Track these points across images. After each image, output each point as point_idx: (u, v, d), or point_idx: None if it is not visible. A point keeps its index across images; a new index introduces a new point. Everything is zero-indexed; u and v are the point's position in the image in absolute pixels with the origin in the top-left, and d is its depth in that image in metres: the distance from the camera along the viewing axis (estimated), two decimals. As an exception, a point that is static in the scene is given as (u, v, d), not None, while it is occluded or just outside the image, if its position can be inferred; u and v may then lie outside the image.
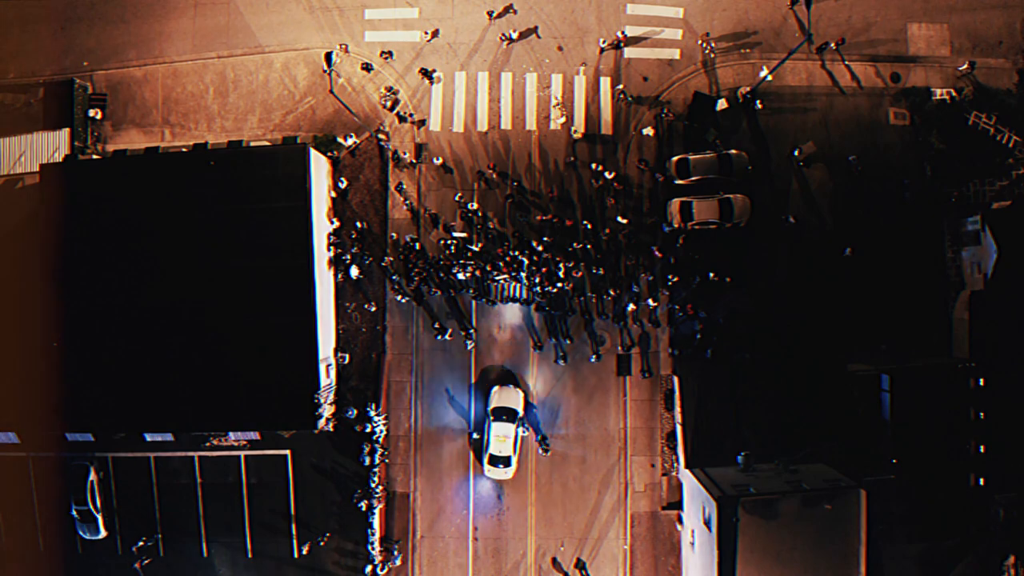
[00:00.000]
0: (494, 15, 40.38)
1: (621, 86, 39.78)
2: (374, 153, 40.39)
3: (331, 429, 38.72)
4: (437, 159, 39.80)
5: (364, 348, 39.66)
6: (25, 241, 38.34)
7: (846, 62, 39.42)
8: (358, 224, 39.77)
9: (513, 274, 38.86)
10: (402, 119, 40.27)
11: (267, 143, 40.29)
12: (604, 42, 39.79)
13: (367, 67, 40.72)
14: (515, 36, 39.95)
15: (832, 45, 39.04)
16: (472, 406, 39.28)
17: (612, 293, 38.63)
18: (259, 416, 36.74)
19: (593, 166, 39.20)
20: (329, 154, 39.76)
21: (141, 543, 39.35)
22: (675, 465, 38.35)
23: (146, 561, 39.50)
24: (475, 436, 39.03)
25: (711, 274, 38.09)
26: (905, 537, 35.07)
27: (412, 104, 40.51)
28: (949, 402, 35.13)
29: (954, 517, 35.39)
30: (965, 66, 38.97)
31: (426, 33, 40.57)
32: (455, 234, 39.27)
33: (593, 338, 38.96)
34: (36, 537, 40.71)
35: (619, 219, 38.73)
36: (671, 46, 40.31)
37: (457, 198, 39.57)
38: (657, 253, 38.47)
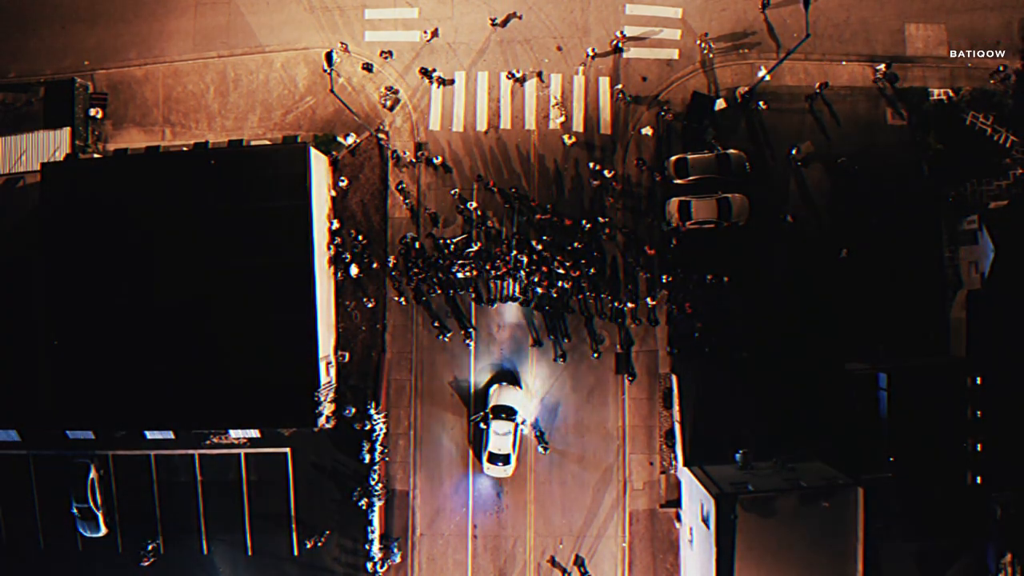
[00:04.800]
0: (497, 21, 40.38)
1: (620, 86, 39.90)
2: (374, 152, 40.51)
3: (331, 427, 38.84)
4: (437, 158, 39.91)
5: (364, 346, 39.77)
6: (25, 240, 38.45)
7: (827, 101, 39.34)
8: (358, 223, 39.86)
9: (512, 273, 38.99)
10: (443, 82, 40.02)
11: (267, 142, 40.41)
12: (592, 51, 39.83)
13: (367, 67, 40.83)
14: (518, 75, 39.97)
15: (816, 88, 39.15)
16: (471, 404, 39.40)
17: (610, 292, 38.77)
18: (259, 414, 36.89)
19: (591, 165, 39.34)
20: (330, 154, 39.88)
21: (150, 548, 39.60)
22: (673, 463, 38.46)
23: (152, 560, 39.69)
24: (474, 431, 39.20)
25: (709, 274, 38.19)
26: (902, 535, 35.11)
27: (412, 104, 40.62)
28: (946, 401, 35.21)
29: (951, 515, 35.45)
30: (883, 67, 39.11)
31: (426, 33, 40.69)
32: (455, 237, 39.38)
33: (592, 336, 39.08)
34: (37, 535, 40.81)
35: (599, 219, 38.79)
36: (670, 46, 40.43)
37: (453, 193, 39.64)
38: (649, 251, 38.62)
